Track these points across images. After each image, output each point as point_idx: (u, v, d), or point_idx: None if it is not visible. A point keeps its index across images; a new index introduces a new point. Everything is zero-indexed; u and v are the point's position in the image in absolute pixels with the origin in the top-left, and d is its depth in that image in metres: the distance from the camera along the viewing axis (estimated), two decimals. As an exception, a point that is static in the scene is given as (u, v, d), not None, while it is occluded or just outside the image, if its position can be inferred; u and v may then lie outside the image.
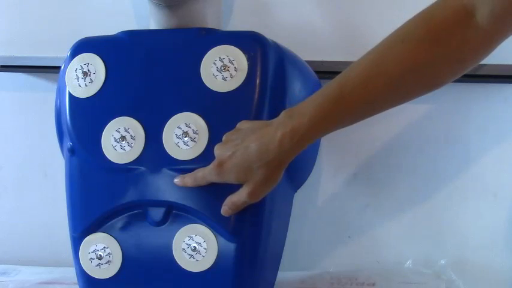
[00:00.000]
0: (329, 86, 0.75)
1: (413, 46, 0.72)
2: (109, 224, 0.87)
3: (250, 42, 0.87)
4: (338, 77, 0.75)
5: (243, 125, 0.82)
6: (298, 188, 0.99)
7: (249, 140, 0.77)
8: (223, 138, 0.81)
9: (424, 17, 0.73)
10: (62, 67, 0.93)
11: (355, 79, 0.74)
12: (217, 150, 0.80)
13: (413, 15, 0.74)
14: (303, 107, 0.76)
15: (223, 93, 0.85)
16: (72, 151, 0.90)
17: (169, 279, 0.85)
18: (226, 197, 0.83)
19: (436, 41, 0.71)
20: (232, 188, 0.82)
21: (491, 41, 0.71)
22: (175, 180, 0.84)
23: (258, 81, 0.85)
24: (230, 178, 0.79)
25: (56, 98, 0.95)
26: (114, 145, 0.87)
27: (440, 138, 1.06)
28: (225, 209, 0.82)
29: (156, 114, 0.87)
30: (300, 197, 1.00)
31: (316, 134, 0.76)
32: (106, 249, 0.87)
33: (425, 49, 0.71)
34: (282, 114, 0.77)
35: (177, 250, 0.85)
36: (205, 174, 0.81)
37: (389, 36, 0.74)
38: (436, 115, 1.06)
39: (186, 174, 0.83)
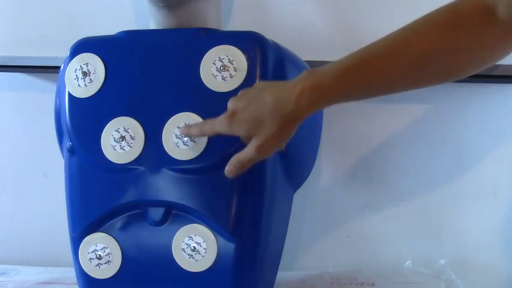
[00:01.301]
0: (353, 54, 0.75)
1: (436, 32, 0.73)
2: (109, 224, 0.87)
3: (250, 42, 0.87)
4: (362, 48, 0.75)
5: (261, 83, 0.81)
6: (298, 188, 0.99)
7: (266, 93, 0.76)
8: (239, 93, 0.80)
9: (447, 9, 0.74)
10: (62, 67, 0.93)
11: (379, 52, 0.74)
12: (231, 103, 0.79)
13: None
14: (325, 68, 0.75)
15: (223, 93, 0.85)
16: (71, 151, 0.90)
17: (169, 279, 0.85)
18: (226, 197, 0.83)
19: (457, 32, 0.72)
20: (232, 187, 0.82)
21: (510, 38, 0.72)
22: (180, 126, 0.83)
23: (257, 81, 0.85)
24: (240, 130, 0.77)
25: (56, 98, 0.95)
26: (113, 145, 0.87)
27: (439, 138, 1.06)
28: (230, 168, 0.79)
29: (155, 114, 0.86)
30: (299, 197, 1.00)
31: (335, 96, 0.75)
32: (106, 249, 0.87)
33: (447, 37, 0.72)
34: (303, 72, 0.76)
35: (176, 250, 0.85)
36: (214, 125, 0.79)
37: (415, 21, 0.75)
38: (435, 115, 1.06)
39: (192, 124, 0.83)
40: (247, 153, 0.77)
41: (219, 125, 0.79)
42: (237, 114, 0.77)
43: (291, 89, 0.74)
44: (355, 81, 0.74)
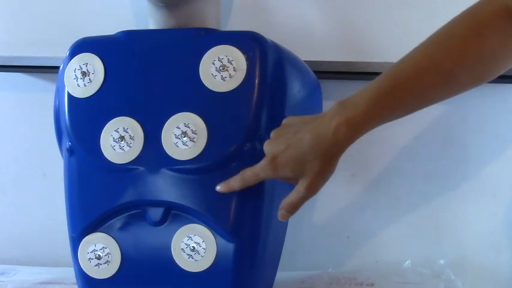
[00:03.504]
0: (381, 78, 0.76)
1: (460, 42, 0.73)
2: (108, 224, 0.87)
3: (249, 42, 0.87)
4: (389, 70, 0.76)
5: (291, 120, 0.81)
6: (297, 188, 0.99)
7: (303, 132, 0.76)
8: (272, 134, 0.81)
9: (468, 16, 0.74)
10: (61, 67, 0.93)
11: (407, 71, 0.75)
12: (268, 146, 0.79)
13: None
14: (356, 97, 0.75)
15: (222, 93, 0.85)
16: (71, 151, 0.90)
17: (168, 279, 0.85)
18: (225, 197, 0.83)
19: (482, 40, 0.73)
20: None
21: None
22: (218, 187, 0.82)
23: (257, 81, 0.85)
24: (285, 172, 0.78)
25: (55, 98, 0.95)
26: (113, 145, 0.87)
27: (439, 138, 1.06)
28: (282, 213, 0.80)
29: (155, 114, 0.86)
30: (299, 197, 1.00)
31: (371, 124, 0.76)
32: (105, 249, 0.87)
33: (472, 45, 0.73)
34: (335, 105, 0.76)
35: (175, 250, 0.85)
36: (256, 172, 0.80)
37: (437, 32, 0.75)
38: (435, 115, 1.06)
39: (229, 179, 0.82)
40: (298, 194, 0.78)
41: (263, 171, 0.79)
42: (279, 158, 0.78)
43: (326, 125, 0.75)
44: (388, 107, 0.75)
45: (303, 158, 0.76)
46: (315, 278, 1.01)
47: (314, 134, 0.76)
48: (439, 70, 0.74)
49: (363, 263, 1.07)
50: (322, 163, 0.76)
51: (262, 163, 0.79)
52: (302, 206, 0.80)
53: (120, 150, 0.86)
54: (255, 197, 0.85)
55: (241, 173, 0.81)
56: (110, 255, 0.87)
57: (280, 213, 0.81)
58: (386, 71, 0.76)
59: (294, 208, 0.80)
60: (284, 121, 0.82)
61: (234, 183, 0.82)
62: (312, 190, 0.78)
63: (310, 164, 0.76)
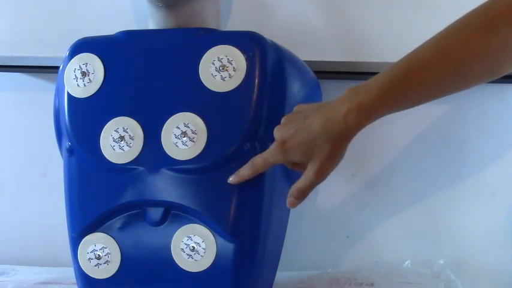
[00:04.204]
0: (394, 66, 0.76)
1: (474, 35, 0.73)
2: (108, 224, 0.87)
3: (249, 42, 0.87)
4: (403, 59, 0.76)
5: (302, 107, 0.82)
6: (297, 188, 0.99)
7: (313, 117, 0.77)
8: (282, 120, 0.81)
9: (482, 9, 0.74)
10: (61, 67, 0.93)
11: (421, 60, 0.75)
12: (278, 131, 0.80)
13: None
14: (368, 83, 0.76)
15: (222, 93, 0.85)
16: (70, 151, 0.90)
17: (168, 279, 0.85)
18: (225, 197, 0.83)
19: (494, 32, 0.72)
20: (231, 187, 0.82)
21: None
22: (230, 179, 0.83)
23: (256, 81, 0.85)
24: (295, 156, 0.78)
25: (55, 98, 0.95)
26: (112, 145, 0.87)
27: (439, 138, 1.07)
28: (291, 200, 0.80)
29: (154, 114, 0.87)
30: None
31: (381, 110, 0.76)
32: (105, 249, 0.87)
33: (485, 39, 0.72)
34: (347, 91, 0.76)
35: (175, 250, 0.85)
36: (266, 157, 0.80)
37: (452, 25, 0.75)
38: (435, 115, 1.06)
39: (239, 169, 0.82)
40: (306, 180, 0.78)
41: (273, 156, 0.79)
42: (288, 142, 0.78)
43: (337, 110, 0.75)
44: (399, 95, 0.75)
45: (312, 141, 0.76)
46: (315, 278, 1.01)
47: (324, 118, 0.76)
48: (452, 62, 0.74)
49: (363, 263, 1.07)
50: (332, 146, 0.76)
51: (272, 148, 0.79)
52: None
53: (120, 150, 0.86)
54: (255, 197, 0.85)
55: (250, 160, 0.82)
56: (109, 255, 0.87)
57: (289, 201, 0.80)
58: (399, 60, 0.76)
59: (302, 194, 0.79)
60: (295, 108, 0.82)
61: (244, 171, 0.82)
62: (320, 175, 0.78)
63: (320, 148, 0.76)
